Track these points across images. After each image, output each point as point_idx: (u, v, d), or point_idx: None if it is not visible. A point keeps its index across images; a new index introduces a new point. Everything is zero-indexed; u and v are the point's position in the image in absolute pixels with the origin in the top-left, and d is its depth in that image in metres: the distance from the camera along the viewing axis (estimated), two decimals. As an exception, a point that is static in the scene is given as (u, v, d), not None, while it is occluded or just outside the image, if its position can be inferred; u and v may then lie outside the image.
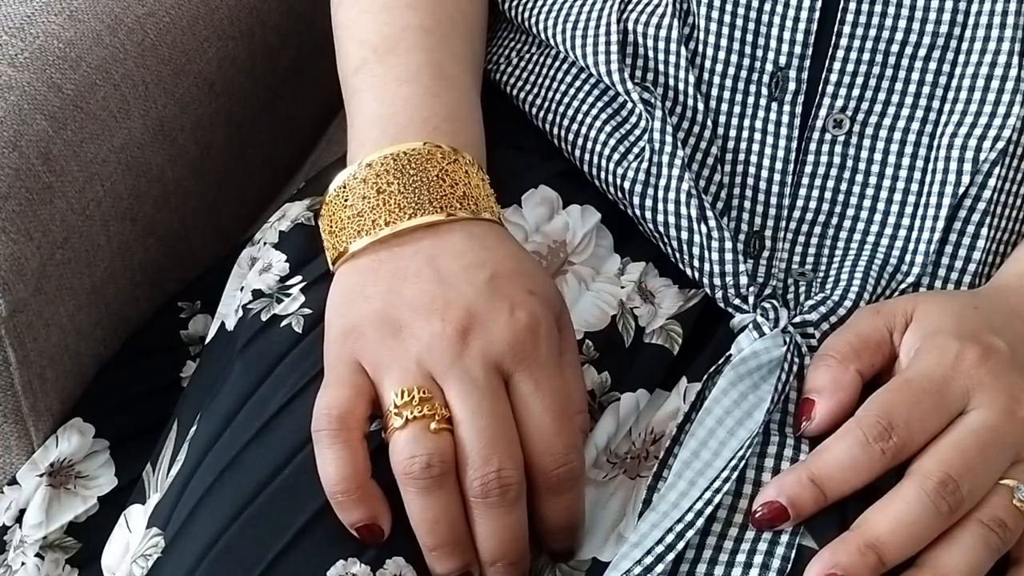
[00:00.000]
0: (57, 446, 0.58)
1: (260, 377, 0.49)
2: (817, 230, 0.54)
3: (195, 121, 0.67)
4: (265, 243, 0.57)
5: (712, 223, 0.52)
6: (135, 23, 0.60)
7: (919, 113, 0.52)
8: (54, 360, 0.58)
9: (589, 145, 0.56)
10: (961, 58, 0.51)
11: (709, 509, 0.44)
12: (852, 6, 0.51)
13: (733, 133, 0.54)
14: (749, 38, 0.53)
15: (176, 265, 0.69)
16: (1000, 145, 0.50)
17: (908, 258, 0.52)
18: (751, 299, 0.51)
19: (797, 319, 0.50)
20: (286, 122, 0.83)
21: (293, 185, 0.85)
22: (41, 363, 0.56)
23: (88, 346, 0.61)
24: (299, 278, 0.53)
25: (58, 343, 0.58)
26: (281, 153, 0.84)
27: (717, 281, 0.52)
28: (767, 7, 0.52)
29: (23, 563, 0.56)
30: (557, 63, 0.58)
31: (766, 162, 0.53)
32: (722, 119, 0.54)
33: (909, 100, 0.52)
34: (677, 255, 0.54)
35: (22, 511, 0.57)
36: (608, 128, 0.55)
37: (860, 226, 0.53)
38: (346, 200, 0.49)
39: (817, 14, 0.51)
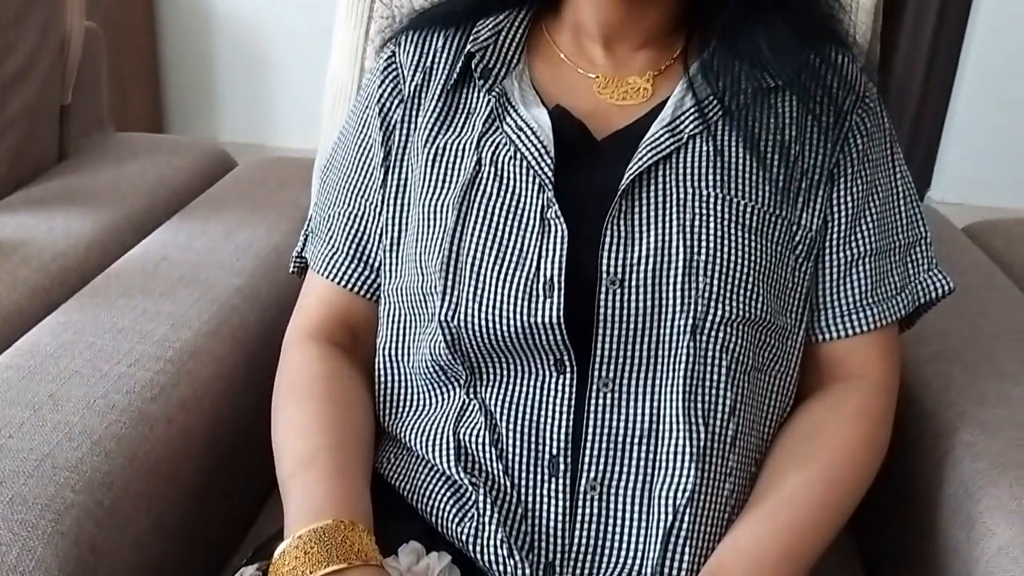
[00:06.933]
0: None
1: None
2: (588, 558, 0.83)
3: (179, 515, 0.95)
4: (230, 594, 0.85)
5: (517, 558, 0.82)
6: (145, 455, 0.89)
7: (640, 478, 0.83)
8: None
9: (439, 513, 0.86)
10: (659, 443, 0.83)
11: None
12: (591, 419, 0.83)
13: (531, 499, 0.84)
14: (533, 439, 0.85)
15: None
16: (686, 496, 0.81)
17: (643, 571, 0.82)
18: (545, 605, 0.81)
19: (573, 613, 0.79)
20: (237, 506, 1.09)
21: (241, 551, 1.07)
22: None
23: None
24: (255, 614, 0.81)
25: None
26: (234, 528, 1.09)
27: (524, 595, 0.82)
28: (542, 424, 0.84)
29: None
30: (418, 461, 0.89)
31: (553, 516, 0.84)
32: (522, 490, 0.84)
33: (634, 471, 0.83)
34: (500, 580, 0.83)
35: None
36: (451, 502, 0.86)
37: (614, 554, 0.83)
38: (285, 561, 0.78)
39: (571, 426, 0.84)
